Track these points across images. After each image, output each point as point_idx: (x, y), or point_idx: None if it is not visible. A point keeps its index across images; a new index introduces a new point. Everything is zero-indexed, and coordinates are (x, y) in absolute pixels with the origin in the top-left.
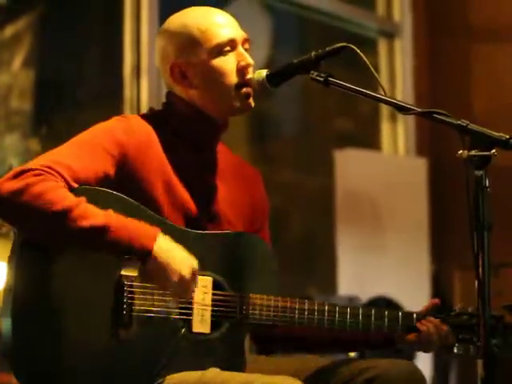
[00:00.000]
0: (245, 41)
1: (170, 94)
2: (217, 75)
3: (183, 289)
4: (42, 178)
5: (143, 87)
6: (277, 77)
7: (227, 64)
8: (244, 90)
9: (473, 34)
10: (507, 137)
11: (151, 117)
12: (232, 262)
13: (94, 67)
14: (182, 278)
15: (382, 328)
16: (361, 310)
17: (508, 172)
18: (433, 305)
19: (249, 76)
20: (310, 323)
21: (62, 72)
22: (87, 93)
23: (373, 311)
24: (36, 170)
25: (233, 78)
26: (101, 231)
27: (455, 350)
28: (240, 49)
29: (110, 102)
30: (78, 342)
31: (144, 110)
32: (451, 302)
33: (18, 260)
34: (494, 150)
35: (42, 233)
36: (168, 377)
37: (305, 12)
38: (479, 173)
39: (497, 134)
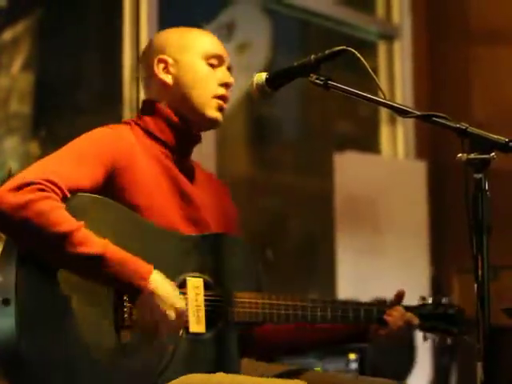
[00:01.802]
0: (229, 67)
1: (146, 102)
2: (200, 79)
3: (166, 328)
4: (44, 195)
5: (142, 90)
6: (276, 80)
7: (212, 74)
8: (220, 102)
9: (472, 37)
10: (506, 140)
11: (132, 126)
12: (217, 263)
13: (93, 70)
14: (166, 319)
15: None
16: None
17: (507, 174)
18: (398, 295)
19: (226, 93)
20: (288, 318)
21: (61, 75)
22: (86, 96)
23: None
24: (38, 184)
25: (214, 88)
26: (96, 261)
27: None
28: (225, 68)
29: (109, 105)
30: (83, 345)
31: None
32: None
33: (18, 271)
34: (493, 153)
35: (40, 251)
36: (173, 381)
37: (305, 15)
38: (478, 176)
39: (496, 136)
